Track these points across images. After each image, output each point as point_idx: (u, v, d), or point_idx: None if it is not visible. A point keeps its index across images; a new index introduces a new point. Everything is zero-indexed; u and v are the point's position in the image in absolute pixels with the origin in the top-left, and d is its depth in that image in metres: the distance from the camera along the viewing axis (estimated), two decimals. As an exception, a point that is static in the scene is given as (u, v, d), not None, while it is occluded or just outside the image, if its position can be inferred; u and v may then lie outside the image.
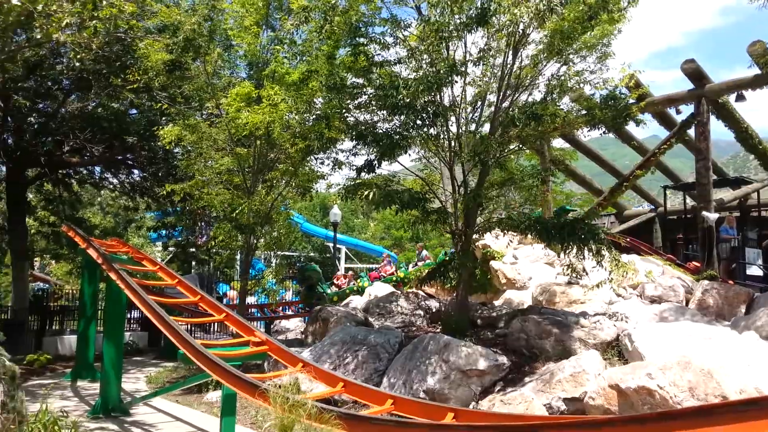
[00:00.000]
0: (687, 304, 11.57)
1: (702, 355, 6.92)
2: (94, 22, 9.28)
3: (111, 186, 20.96)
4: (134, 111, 17.23)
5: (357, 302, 14.73)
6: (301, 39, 13.27)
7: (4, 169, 18.25)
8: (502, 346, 9.48)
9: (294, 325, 16.32)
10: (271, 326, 17.06)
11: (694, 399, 6.00)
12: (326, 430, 4.06)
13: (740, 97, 15.37)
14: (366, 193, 10.49)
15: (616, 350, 8.63)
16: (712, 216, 14.40)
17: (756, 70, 14.05)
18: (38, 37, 9.50)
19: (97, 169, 19.96)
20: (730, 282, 12.86)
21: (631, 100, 12.34)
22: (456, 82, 10.65)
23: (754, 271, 15.31)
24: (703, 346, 7.74)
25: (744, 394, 6.10)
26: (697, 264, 14.55)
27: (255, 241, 13.88)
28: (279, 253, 25.23)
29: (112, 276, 9.50)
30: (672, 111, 16.98)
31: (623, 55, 13.17)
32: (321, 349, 9.77)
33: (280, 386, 3.90)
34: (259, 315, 18.18)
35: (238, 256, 21.55)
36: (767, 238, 17.60)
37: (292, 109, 12.27)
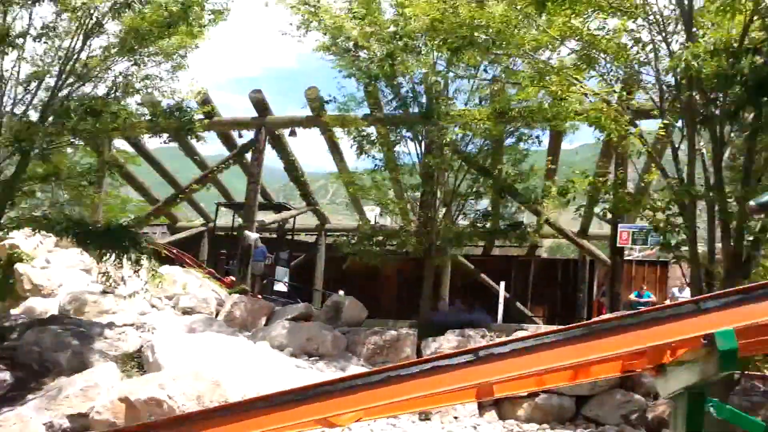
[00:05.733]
0: (217, 316, 12.24)
1: (219, 365, 7.49)
2: None
3: None
4: None
5: None
6: None
7: None
8: (9, 360, 8.39)
9: None
10: None
11: (200, 406, 6.43)
12: None
13: (293, 133, 17.11)
14: None
15: (137, 362, 8.58)
16: (253, 235, 15.69)
17: (309, 111, 15.87)
18: None
19: None
20: (258, 296, 14.29)
21: (199, 116, 12.71)
22: (6, 53, 9.38)
23: (281, 287, 17.46)
24: (222, 355, 8.38)
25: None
26: (234, 279, 15.57)
27: None
28: None
29: None
30: (236, 134, 18.02)
31: (205, 74, 13.48)
32: None
33: None
34: None
35: None
36: (296, 259, 20.31)
37: None
